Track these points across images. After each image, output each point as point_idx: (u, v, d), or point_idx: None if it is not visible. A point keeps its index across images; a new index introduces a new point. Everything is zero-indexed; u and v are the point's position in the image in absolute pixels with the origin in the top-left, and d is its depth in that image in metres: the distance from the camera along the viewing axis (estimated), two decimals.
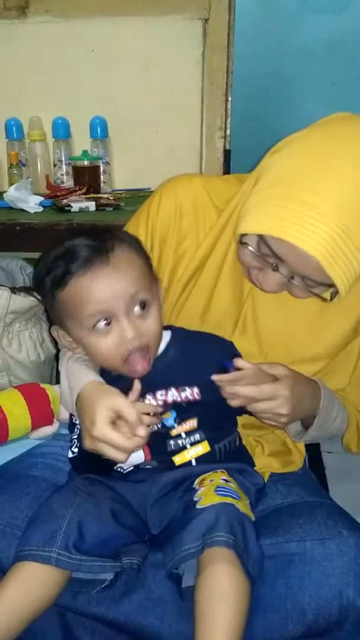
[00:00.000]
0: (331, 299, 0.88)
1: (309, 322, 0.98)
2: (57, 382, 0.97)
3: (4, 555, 0.87)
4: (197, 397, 0.93)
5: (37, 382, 0.99)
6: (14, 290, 1.53)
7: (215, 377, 0.87)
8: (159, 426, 0.93)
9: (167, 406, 0.93)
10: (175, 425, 0.93)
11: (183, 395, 0.93)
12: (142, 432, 0.83)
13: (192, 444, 0.93)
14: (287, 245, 0.79)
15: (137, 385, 0.88)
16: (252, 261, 0.89)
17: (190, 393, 0.93)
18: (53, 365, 1.67)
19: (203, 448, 0.93)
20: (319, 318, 0.98)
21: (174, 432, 0.93)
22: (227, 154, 2.01)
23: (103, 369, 0.93)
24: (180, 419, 0.93)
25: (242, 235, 0.87)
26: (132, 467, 0.94)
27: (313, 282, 0.84)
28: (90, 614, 0.88)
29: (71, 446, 0.96)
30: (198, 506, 0.83)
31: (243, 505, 0.84)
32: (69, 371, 0.94)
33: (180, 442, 0.93)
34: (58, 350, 1.63)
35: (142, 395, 0.90)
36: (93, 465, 0.92)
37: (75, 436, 0.95)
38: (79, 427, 0.92)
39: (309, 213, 0.76)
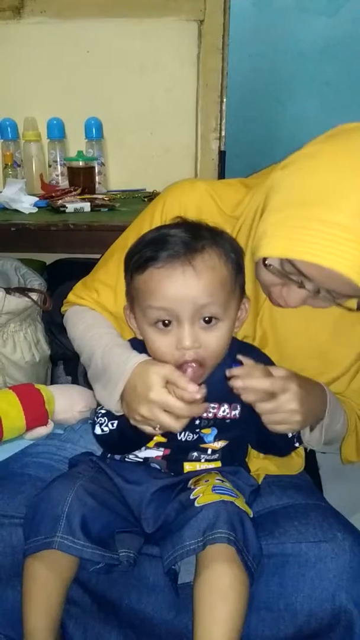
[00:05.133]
0: (358, 308, 0.85)
1: (332, 330, 0.95)
2: (52, 382, 0.97)
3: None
4: (248, 415, 0.92)
5: (31, 383, 0.99)
6: (8, 290, 1.53)
7: (229, 372, 0.83)
8: (195, 437, 0.93)
9: (215, 420, 0.93)
10: (212, 441, 0.94)
11: (233, 413, 0.93)
12: (197, 393, 0.80)
13: (207, 460, 0.95)
14: (317, 267, 0.75)
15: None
16: (275, 280, 0.85)
17: (242, 411, 0.93)
18: (48, 366, 1.67)
19: (215, 467, 0.95)
20: (341, 325, 0.95)
21: (203, 446, 0.94)
22: (222, 155, 2.01)
23: None
24: (217, 438, 0.94)
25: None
26: (141, 459, 0.96)
27: (340, 295, 0.82)
28: (89, 589, 0.91)
29: (100, 424, 0.93)
30: (197, 504, 0.84)
31: (241, 502, 0.86)
32: (109, 353, 0.92)
33: (201, 455, 0.95)
34: (53, 351, 1.65)
35: None
36: (125, 440, 0.91)
37: (103, 411, 0.93)
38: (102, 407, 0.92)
39: (333, 232, 0.73)
